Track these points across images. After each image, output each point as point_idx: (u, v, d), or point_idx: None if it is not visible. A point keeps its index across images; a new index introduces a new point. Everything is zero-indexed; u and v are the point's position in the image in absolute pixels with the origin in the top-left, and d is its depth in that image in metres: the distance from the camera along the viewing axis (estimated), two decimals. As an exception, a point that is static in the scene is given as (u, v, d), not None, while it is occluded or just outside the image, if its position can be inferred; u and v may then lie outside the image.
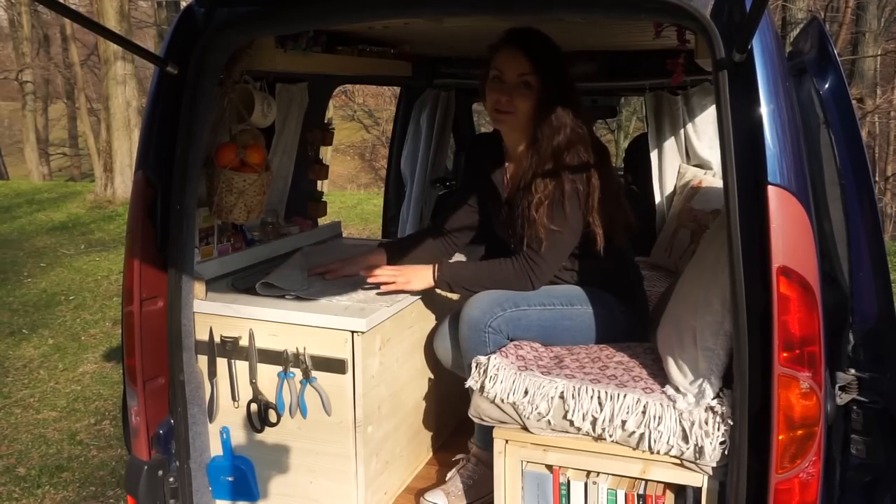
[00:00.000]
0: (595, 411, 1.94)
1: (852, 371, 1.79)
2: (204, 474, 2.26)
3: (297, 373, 2.18)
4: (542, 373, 2.06)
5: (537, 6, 1.81)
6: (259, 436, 2.26)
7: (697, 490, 1.89)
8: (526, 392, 2.01)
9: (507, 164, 2.46)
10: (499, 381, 2.04)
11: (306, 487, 2.25)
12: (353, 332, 2.11)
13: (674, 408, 1.88)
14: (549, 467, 2.04)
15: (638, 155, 3.92)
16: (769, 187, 1.54)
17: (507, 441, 2.06)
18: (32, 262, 8.27)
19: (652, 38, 2.59)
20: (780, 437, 1.59)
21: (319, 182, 3.37)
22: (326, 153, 9.15)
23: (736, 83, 1.57)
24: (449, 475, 2.40)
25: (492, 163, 2.49)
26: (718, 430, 1.81)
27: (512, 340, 2.25)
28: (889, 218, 12.74)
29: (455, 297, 2.53)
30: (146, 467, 2.12)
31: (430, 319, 2.57)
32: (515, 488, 2.08)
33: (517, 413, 2.02)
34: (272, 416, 2.23)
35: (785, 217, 1.54)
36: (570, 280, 2.38)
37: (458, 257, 2.74)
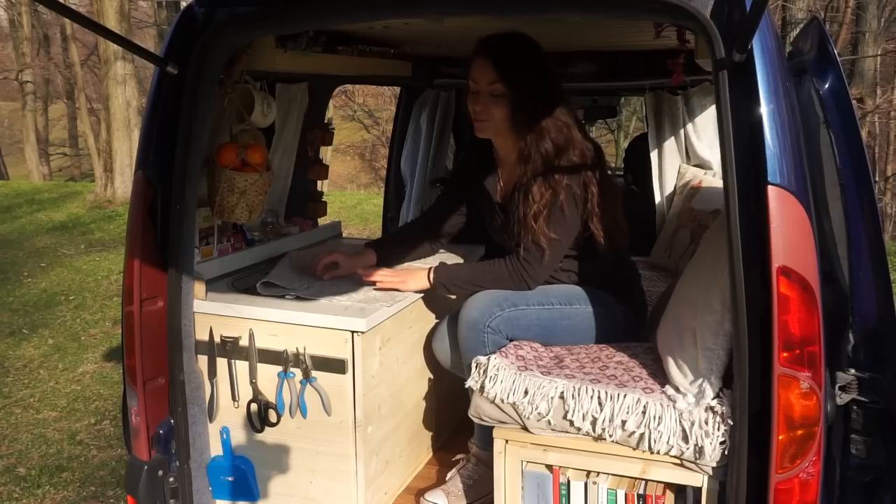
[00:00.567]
0: (595, 411, 1.94)
1: (852, 371, 1.78)
2: (204, 474, 2.26)
3: (297, 373, 2.18)
4: (542, 373, 2.06)
5: (537, 6, 1.81)
6: (259, 436, 2.26)
7: (697, 490, 1.89)
8: (526, 392, 2.01)
9: (499, 170, 2.47)
10: (499, 381, 2.04)
11: (306, 487, 2.25)
12: (353, 332, 2.11)
13: (674, 408, 1.88)
14: (549, 467, 2.05)
15: (638, 155, 3.92)
16: (769, 187, 1.54)
17: (507, 441, 2.06)
18: (32, 262, 8.27)
19: (652, 38, 2.59)
20: (780, 437, 1.59)
21: (319, 182, 3.37)
22: (326, 153, 9.15)
23: (736, 83, 1.57)
24: (449, 475, 2.40)
25: (485, 169, 2.50)
26: (718, 430, 1.81)
27: (511, 340, 2.25)
28: (889, 218, 12.74)
29: (454, 297, 2.53)
30: (146, 467, 2.12)
31: (429, 319, 2.57)
32: (515, 488, 2.08)
33: (517, 413, 2.02)
34: (272, 416, 2.23)
35: (785, 217, 1.54)
36: (567, 280, 2.38)
37: (454, 258, 2.75)
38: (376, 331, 2.20)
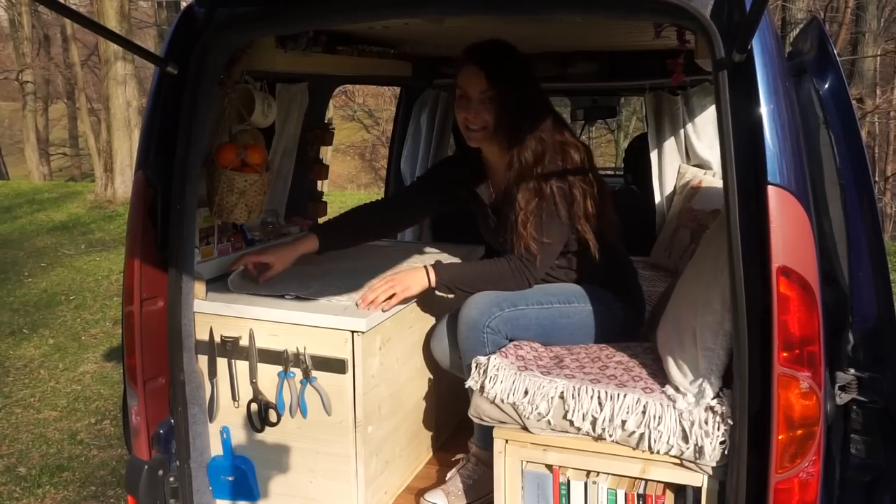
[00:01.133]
0: (595, 411, 1.94)
1: (852, 371, 1.78)
2: (204, 474, 2.26)
3: (298, 373, 2.18)
4: (541, 373, 2.06)
5: (537, 6, 1.81)
6: (259, 436, 2.26)
7: (697, 490, 1.89)
8: (526, 392, 2.01)
9: (490, 176, 2.48)
10: (499, 381, 2.04)
11: (306, 487, 2.25)
12: (353, 331, 2.11)
13: (674, 408, 1.89)
14: (549, 467, 2.05)
15: (638, 155, 3.92)
16: (769, 187, 1.54)
17: (507, 441, 2.07)
18: (33, 262, 8.27)
19: (652, 38, 2.59)
20: (779, 437, 1.59)
21: (319, 182, 3.37)
22: (326, 153, 9.14)
23: (736, 83, 1.57)
24: (449, 475, 2.40)
25: (474, 175, 2.51)
26: (718, 429, 1.81)
27: (511, 340, 2.25)
28: (889, 218, 12.74)
29: (452, 297, 2.53)
30: (146, 467, 2.12)
31: (429, 319, 2.57)
32: (515, 488, 2.08)
33: (517, 413, 2.02)
34: (272, 416, 2.23)
35: (785, 217, 1.54)
36: (565, 277, 2.39)
37: (453, 259, 2.75)
38: (376, 331, 2.20)
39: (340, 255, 2.76)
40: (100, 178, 12.33)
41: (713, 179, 3.41)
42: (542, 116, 2.29)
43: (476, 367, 2.11)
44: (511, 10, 1.85)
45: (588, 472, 2.03)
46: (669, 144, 3.58)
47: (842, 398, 1.76)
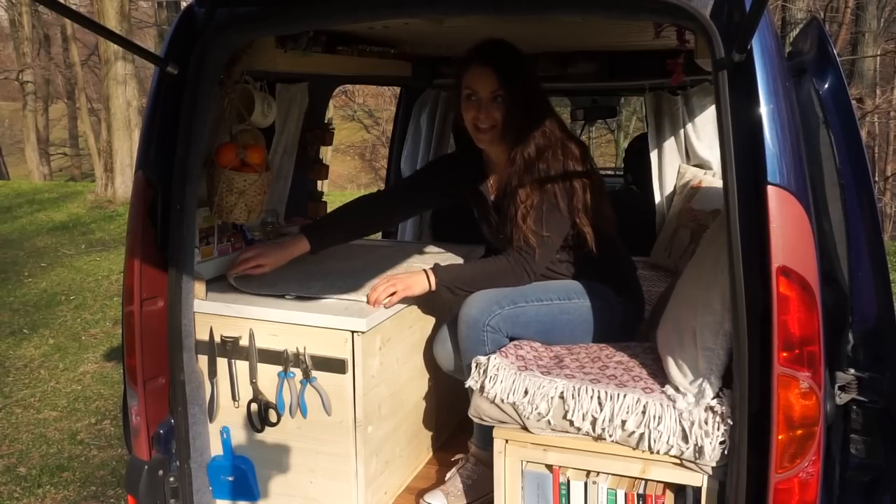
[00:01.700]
0: (595, 411, 1.94)
1: (852, 371, 1.79)
2: (204, 474, 2.26)
3: (298, 373, 2.18)
4: (541, 373, 2.06)
5: (537, 6, 1.81)
6: (259, 436, 2.26)
7: (697, 490, 1.89)
8: (526, 392, 2.01)
9: (490, 172, 2.49)
10: (499, 381, 2.04)
11: (306, 487, 2.25)
12: (353, 331, 2.12)
13: (673, 408, 1.89)
14: (549, 467, 2.05)
15: (638, 155, 3.92)
16: (769, 187, 1.54)
17: (507, 441, 2.07)
18: (33, 261, 8.27)
19: (652, 38, 2.59)
20: (779, 437, 1.59)
21: (319, 182, 3.37)
22: (326, 153, 9.14)
23: (736, 83, 1.57)
24: (449, 475, 2.40)
25: (476, 173, 2.52)
26: (718, 429, 1.81)
27: (511, 338, 2.26)
28: (889, 218, 12.73)
29: (455, 298, 2.53)
30: (146, 467, 2.12)
31: (430, 319, 2.57)
32: (515, 488, 2.08)
33: (517, 413, 2.02)
34: (272, 416, 2.23)
35: (785, 217, 1.54)
36: (566, 272, 2.39)
37: (455, 259, 2.75)
38: (376, 331, 2.20)
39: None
40: (100, 178, 12.33)
41: (713, 179, 3.41)
42: (544, 114, 2.32)
43: (476, 366, 2.11)
44: (511, 10, 1.85)
45: (588, 472, 2.03)
46: (669, 144, 3.58)
47: (842, 398, 1.76)
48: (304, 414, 2.20)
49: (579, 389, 1.97)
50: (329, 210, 3.35)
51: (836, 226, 1.96)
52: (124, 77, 11.20)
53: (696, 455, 1.84)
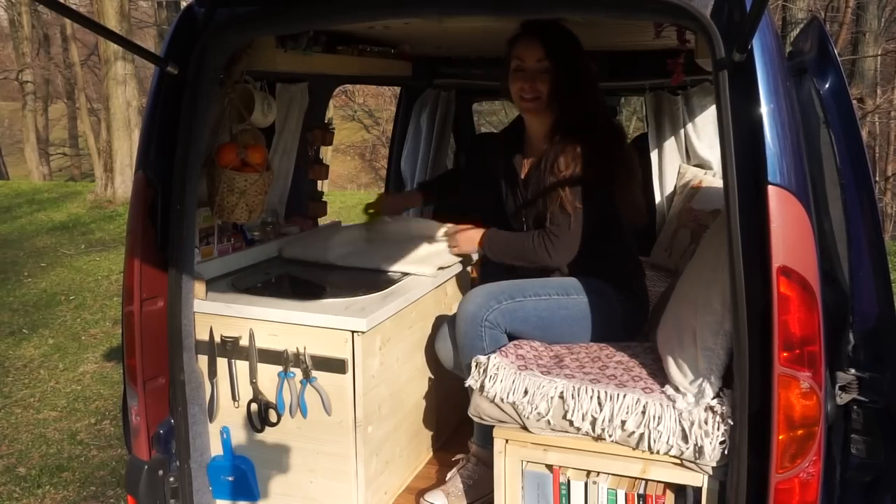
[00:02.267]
0: (595, 411, 1.94)
1: (852, 371, 1.78)
2: (204, 474, 2.26)
3: (298, 373, 2.18)
4: (541, 372, 2.06)
5: (537, 6, 1.81)
6: (259, 436, 2.26)
7: (697, 490, 1.89)
8: (526, 392, 2.01)
9: (526, 147, 2.53)
10: (498, 380, 2.04)
11: (306, 487, 2.25)
12: (353, 331, 2.11)
13: (673, 408, 1.88)
14: (549, 467, 2.05)
15: (638, 155, 3.91)
16: (769, 187, 1.54)
17: (507, 441, 2.06)
18: (33, 262, 8.26)
19: (652, 38, 2.59)
20: (780, 437, 1.59)
21: (319, 182, 3.37)
22: (326, 153, 9.15)
23: (736, 83, 1.57)
24: (449, 475, 2.40)
25: (509, 149, 2.56)
26: (718, 429, 1.81)
27: (510, 334, 2.26)
28: (889, 218, 12.72)
29: (458, 297, 2.54)
30: (146, 467, 2.12)
31: (430, 319, 2.57)
32: (515, 488, 2.08)
33: (517, 413, 2.02)
34: (272, 416, 2.23)
35: (785, 217, 1.54)
36: (570, 268, 2.39)
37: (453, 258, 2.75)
38: (376, 331, 2.20)
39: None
40: (100, 178, 12.32)
41: (713, 179, 3.41)
42: (591, 91, 2.40)
43: (476, 366, 2.11)
44: (511, 10, 1.85)
45: (588, 472, 2.03)
46: (669, 144, 3.58)
47: (842, 398, 1.76)
48: (304, 414, 2.20)
49: (579, 389, 1.97)
50: (329, 210, 3.37)
51: (836, 225, 1.96)
52: (124, 77, 11.19)
53: (697, 455, 1.84)
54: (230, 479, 2.27)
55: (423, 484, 2.49)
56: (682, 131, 3.57)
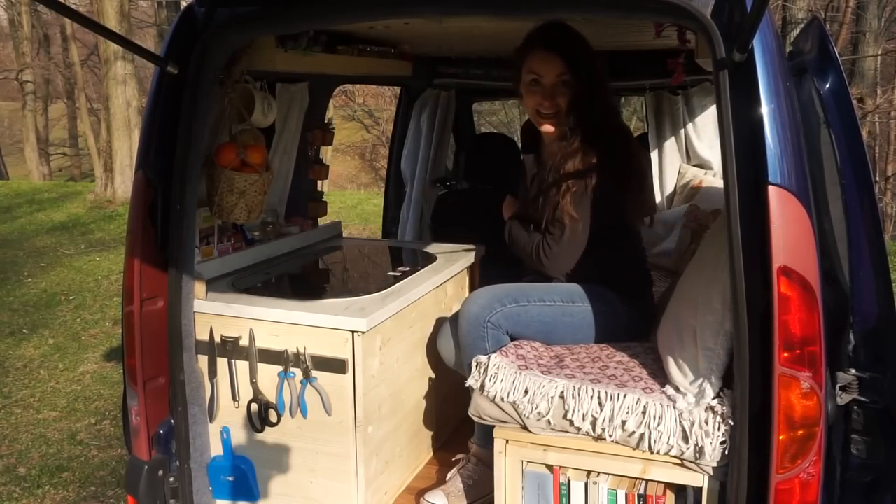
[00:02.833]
0: (595, 411, 1.94)
1: (853, 371, 1.78)
2: (204, 474, 2.26)
3: (298, 373, 2.18)
4: (542, 372, 2.06)
5: (537, 6, 1.81)
6: (259, 436, 2.26)
7: (698, 490, 1.89)
8: (526, 391, 2.01)
9: (541, 149, 2.48)
10: (499, 380, 2.04)
11: (306, 487, 2.25)
12: (353, 332, 2.11)
13: (674, 408, 1.88)
14: (550, 467, 2.04)
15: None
16: (769, 187, 1.54)
17: (507, 441, 2.06)
18: (32, 261, 8.26)
19: (652, 38, 2.59)
20: (780, 437, 1.59)
21: (319, 182, 3.37)
22: (326, 153, 9.14)
23: (736, 83, 1.57)
24: (449, 475, 2.40)
25: (526, 146, 2.55)
26: (718, 430, 1.81)
27: (512, 337, 2.25)
28: (889, 218, 12.72)
29: (458, 297, 2.54)
30: (146, 467, 2.12)
31: (430, 319, 2.57)
32: (516, 488, 2.08)
33: (517, 412, 2.02)
34: (272, 416, 2.23)
35: (785, 217, 1.54)
36: (575, 275, 2.37)
37: (453, 258, 2.74)
38: (376, 331, 2.20)
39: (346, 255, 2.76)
40: (100, 177, 12.31)
41: (713, 179, 3.41)
42: (607, 98, 2.36)
43: (476, 365, 2.11)
44: (511, 10, 1.85)
45: (588, 473, 2.02)
46: (670, 144, 3.59)
47: (843, 398, 1.76)
48: (304, 414, 2.20)
49: (579, 389, 1.97)
50: (330, 210, 3.37)
51: (836, 225, 1.96)
52: (124, 77, 11.18)
53: (697, 455, 1.84)
54: (230, 479, 2.27)
55: (423, 484, 2.49)
56: (682, 131, 3.57)
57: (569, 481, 2.01)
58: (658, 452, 1.89)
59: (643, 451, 1.92)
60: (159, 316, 2.12)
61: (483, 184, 4.00)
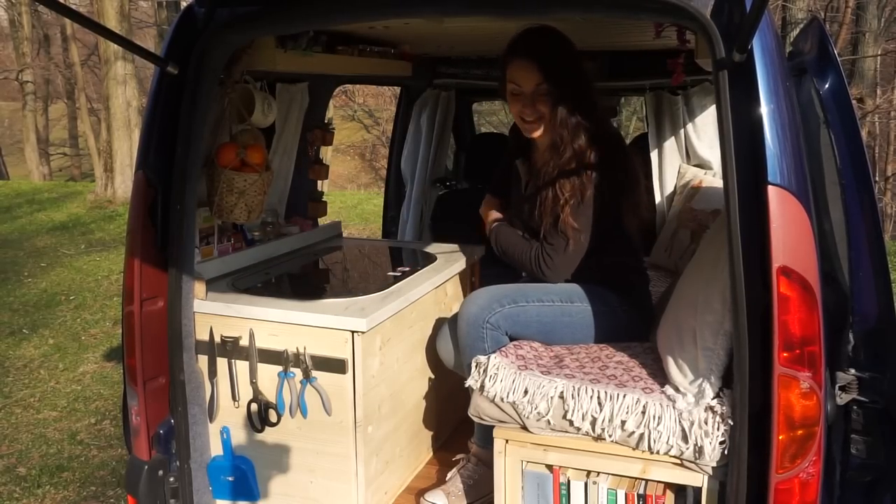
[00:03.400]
0: (595, 411, 1.94)
1: (852, 371, 1.78)
2: (204, 474, 2.26)
3: (298, 373, 2.18)
4: (541, 372, 2.06)
5: (537, 6, 1.81)
6: (259, 436, 2.26)
7: (697, 490, 1.89)
8: (525, 392, 2.01)
9: (532, 154, 2.47)
10: (498, 380, 2.04)
11: (306, 487, 2.25)
12: (353, 332, 2.11)
13: (673, 408, 1.88)
14: (549, 467, 2.05)
15: (638, 155, 3.91)
16: (769, 187, 1.54)
17: (507, 441, 2.06)
18: (33, 262, 8.26)
19: (652, 38, 2.59)
20: (780, 437, 1.59)
21: (319, 182, 3.37)
22: (326, 153, 9.14)
23: (736, 83, 1.57)
24: (449, 475, 2.40)
25: (517, 150, 2.52)
26: (718, 429, 1.81)
27: (511, 337, 2.25)
28: (889, 218, 12.72)
29: (458, 297, 2.54)
30: (146, 467, 2.12)
31: (430, 319, 2.57)
32: (515, 488, 2.08)
33: (517, 412, 2.02)
34: (272, 416, 2.23)
35: (785, 217, 1.54)
36: (573, 276, 2.37)
37: (453, 258, 2.73)
38: (376, 331, 2.20)
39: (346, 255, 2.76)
40: (100, 178, 12.31)
41: (713, 179, 3.41)
42: (592, 102, 2.30)
43: (476, 366, 2.11)
44: (511, 10, 1.85)
45: (588, 473, 2.03)
46: (669, 144, 3.58)
47: (842, 398, 1.76)
48: (304, 414, 2.20)
49: (579, 389, 1.97)
50: (329, 210, 3.37)
51: (836, 226, 1.96)
52: (124, 77, 11.19)
53: (696, 455, 1.84)
54: (230, 479, 2.27)
55: (423, 484, 2.49)
56: (682, 131, 3.57)
57: (568, 481, 2.01)
58: (658, 452, 1.89)
59: (643, 451, 1.92)
60: (159, 316, 2.12)
61: (483, 184, 3.98)
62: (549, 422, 1.99)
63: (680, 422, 1.86)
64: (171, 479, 2.16)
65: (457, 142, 4.34)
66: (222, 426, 2.28)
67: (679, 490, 1.95)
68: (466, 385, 2.13)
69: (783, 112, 1.57)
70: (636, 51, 3.29)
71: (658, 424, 1.88)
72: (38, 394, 4.83)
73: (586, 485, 1.99)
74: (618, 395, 1.94)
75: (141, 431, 2.13)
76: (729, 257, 1.60)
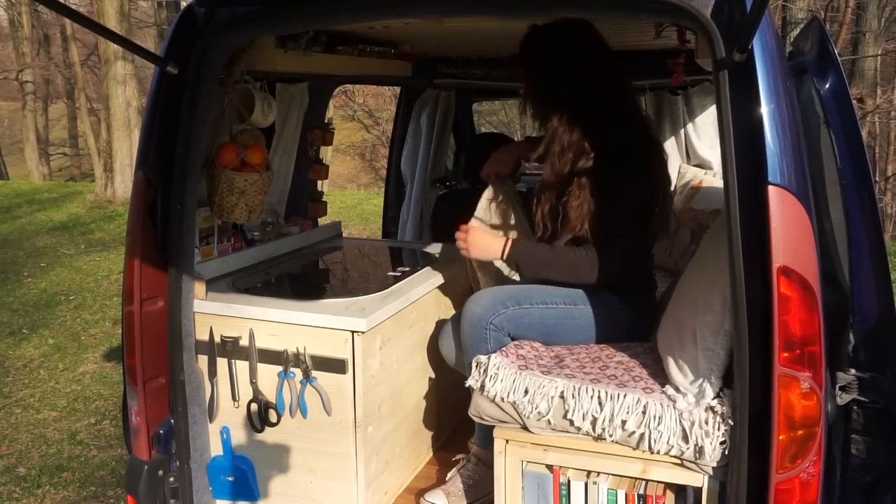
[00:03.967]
0: (595, 411, 1.94)
1: (853, 371, 1.78)
2: (204, 474, 2.26)
3: (298, 373, 2.18)
4: (542, 372, 2.06)
5: (537, 6, 1.81)
6: (259, 436, 2.26)
7: (698, 490, 1.89)
8: (526, 391, 2.01)
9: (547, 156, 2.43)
10: (499, 380, 2.04)
11: (306, 487, 2.25)
12: (353, 332, 2.11)
13: (674, 408, 1.88)
14: (550, 467, 2.04)
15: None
16: (769, 187, 1.54)
17: (507, 441, 2.06)
18: (32, 262, 8.26)
19: (652, 38, 2.59)
20: (780, 437, 1.59)
21: (319, 182, 3.37)
22: (326, 153, 9.14)
23: (736, 83, 1.57)
24: (449, 475, 2.40)
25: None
26: (718, 429, 1.81)
27: (513, 338, 2.25)
28: (889, 218, 12.72)
29: (459, 297, 2.53)
30: (146, 467, 2.12)
31: (430, 319, 2.57)
32: (516, 488, 2.08)
33: (517, 412, 2.02)
34: (272, 416, 2.23)
35: (785, 217, 1.54)
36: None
37: (455, 259, 2.71)
38: (376, 331, 2.20)
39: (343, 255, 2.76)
40: (100, 178, 12.32)
41: (713, 179, 3.41)
42: (599, 107, 2.25)
43: (476, 365, 2.11)
44: (511, 10, 1.85)
45: (588, 473, 2.02)
46: (670, 144, 3.58)
47: (842, 398, 1.76)
48: (304, 414, 2.20)
49: (579, 389, 1.97)
50: (329, 210, 3.36)
51: (836, 225, 1.96)
52: (124, 77, 11.19)
53: (697, 455, 1.84)
54: (230, 479, 2.27)
55: (423, 484, 2.49)
56: (682, 131, 3.57)
57: (569, 481, 2.01)
58: (658, 452, 1.89)
59: (643, 451, 1.92)
60: (159, 316, 2.12)
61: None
62: (549, 422, 1.99)
63: (680, 422, 1.86)
64: (171, 479, 2.16)
65: (457, 142, 4.34)
66: (222, 426, 2.28)
67: (679, 490, 1.94)
68: (467, 385, 2.13)
69: (783, 112, 1.57)
70: (636, 51, 3.29)
71: (658, 424, 1.88)
72: (38, 394, 4.83)
73: (586, 485, 1.99)
74: (618, 395, 1.94)
75: (141, 431, 2.12)
76: (729, 257, 1.60)
